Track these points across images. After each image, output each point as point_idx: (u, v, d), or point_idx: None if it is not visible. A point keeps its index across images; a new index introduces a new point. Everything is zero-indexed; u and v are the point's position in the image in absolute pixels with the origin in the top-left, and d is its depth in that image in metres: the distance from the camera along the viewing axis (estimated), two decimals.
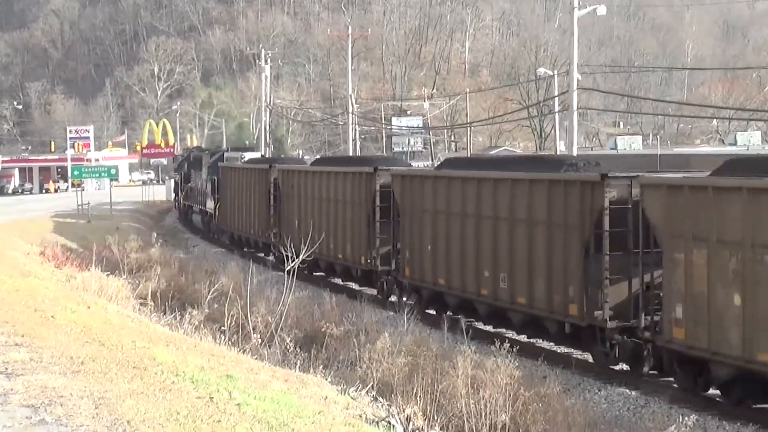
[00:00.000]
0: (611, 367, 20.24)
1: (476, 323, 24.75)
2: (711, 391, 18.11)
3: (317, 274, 34.65)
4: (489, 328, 24.41)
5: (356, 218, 31.29)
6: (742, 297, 16.31)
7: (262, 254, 42.13)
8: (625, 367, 20.17)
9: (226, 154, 55.88)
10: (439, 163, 39.09)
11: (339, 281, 33.51)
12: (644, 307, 19.01)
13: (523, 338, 22.86)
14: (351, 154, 63.41)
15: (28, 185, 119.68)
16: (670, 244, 18.05)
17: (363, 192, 30.97)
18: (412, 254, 27.37)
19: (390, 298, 29.29)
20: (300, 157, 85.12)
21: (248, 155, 54.58)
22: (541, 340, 22.66)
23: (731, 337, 16.56)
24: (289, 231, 36.09)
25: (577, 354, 21.33)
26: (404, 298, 27.91)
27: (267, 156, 62.04)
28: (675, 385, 18.69)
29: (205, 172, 56.36)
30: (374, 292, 30.46)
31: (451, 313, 24.87)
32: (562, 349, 22.14)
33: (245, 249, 45.06)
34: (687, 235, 17.56)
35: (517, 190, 22.63)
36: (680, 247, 17.74)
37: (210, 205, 53.93)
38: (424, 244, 26.52)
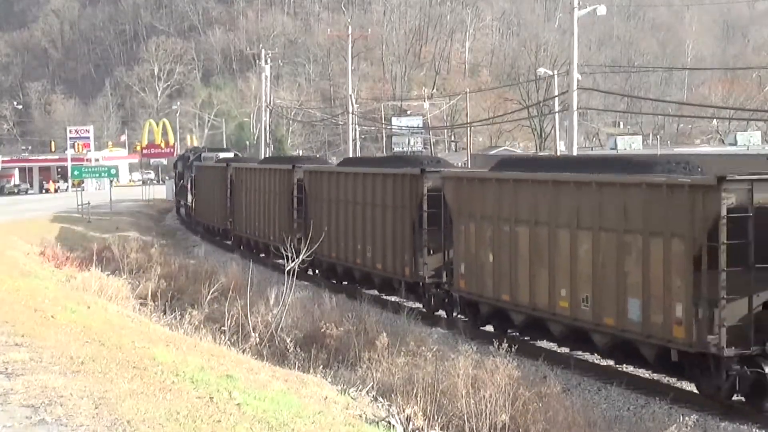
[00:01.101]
0: (435, 313, 26.33)
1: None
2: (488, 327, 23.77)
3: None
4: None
5: (282, 207, 37.56)
6: (492, 256, 22.94)
7: (225, 241, 48.56)
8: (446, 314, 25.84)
9: (203, 154, 60.38)
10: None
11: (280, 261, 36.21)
12: (446, 267, 25.55)
13: (525, 338, 22.92)
14: (351, 154, 63.91)
15: (24, 185, 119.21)
16: (457, 220, 24.80)
17: (285, 185, 37.25)
18: (316, 235, 32.97)
19: (308, 272, 34.43)
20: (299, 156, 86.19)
21: (222, 155, 59.50)
22: (542, 341, 23.10)
23: (488, 284, 23.20)
24: (238, 219, 44.56)
25: (578, 354, 21.35)
26: (317, 271, 34.32)
27: (269, 156, 65.49)
28: (463, 319, 24.38)
29: (188, 171, 60.14)
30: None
31: (344, 282, 31.56)
32: (562, 349, 22.18)
33: (216, 238, 50.21)
34: (466, 213, 24.26)
35: (376, 182, 29.29)
36: (462, 222, 24.48)
37: (190, 199, 58.65)
38: (323, 226, 32.42)
